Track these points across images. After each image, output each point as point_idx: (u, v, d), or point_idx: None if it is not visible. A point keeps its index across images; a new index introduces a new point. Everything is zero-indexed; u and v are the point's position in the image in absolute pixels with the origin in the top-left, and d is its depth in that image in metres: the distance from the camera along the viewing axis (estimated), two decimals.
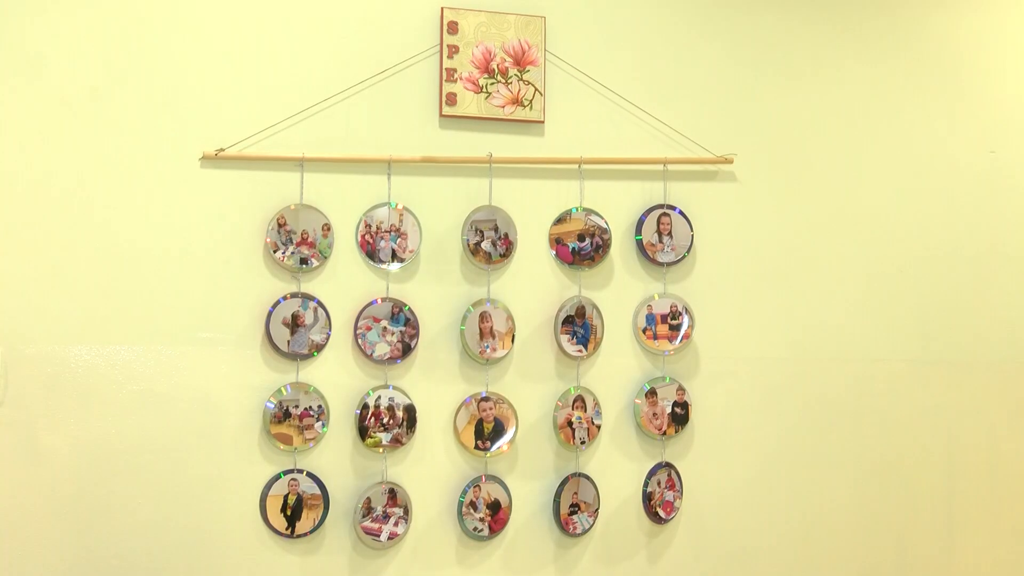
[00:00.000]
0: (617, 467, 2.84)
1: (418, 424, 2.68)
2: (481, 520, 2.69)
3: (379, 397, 2.64)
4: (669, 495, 2.84)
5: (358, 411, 2.63)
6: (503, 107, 2.77)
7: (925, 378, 3.08)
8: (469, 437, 2.70)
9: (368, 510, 2.62)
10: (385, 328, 2.66)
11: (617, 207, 2.86)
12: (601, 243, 2.82)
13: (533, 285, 2.79)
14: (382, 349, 2.66)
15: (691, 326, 2.86)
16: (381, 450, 2.65)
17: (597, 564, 2.82)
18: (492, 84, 2.76)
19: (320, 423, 2.60)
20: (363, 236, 2.67)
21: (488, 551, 2.74)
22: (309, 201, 2.64)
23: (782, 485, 2.96)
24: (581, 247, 2.80)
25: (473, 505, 2.69)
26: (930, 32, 3.15)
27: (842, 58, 3.07)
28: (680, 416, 2.86)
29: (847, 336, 3.02)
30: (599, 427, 2.80)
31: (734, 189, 2.96)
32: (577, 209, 2.81)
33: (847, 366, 3.02)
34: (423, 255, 2.72)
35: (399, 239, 2.69)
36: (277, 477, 2.57)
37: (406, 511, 2.65)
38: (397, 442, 2.65)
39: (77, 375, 2.49)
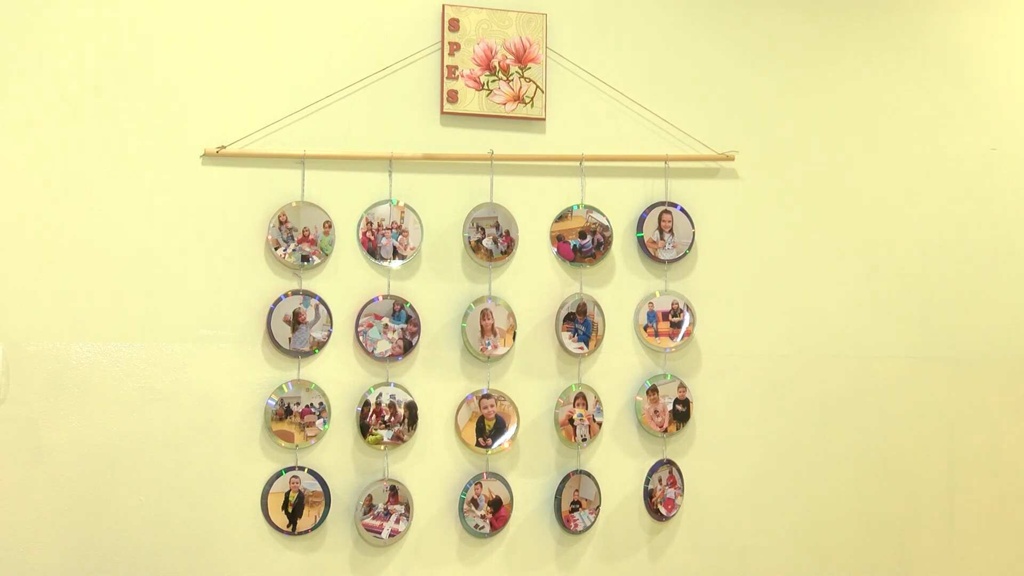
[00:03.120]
0: (618, 464, 2.84)
1: (419, 421, 2.68)
2: (482, 517, 2.70)
3: (380, 394, 2.64)
4: (670, 492, 2.84)
5: (359, 408, 2.63)
6: (504, 104, 2.76)
7: (926, 375, 3.08)
8: (470, 434, 2.71)
9: (369, 507, 2.62)
10: (386, 325, 2.66)
11: (618, 204, 2.86)
12: (602, 240, 2.81)
13: (534, 282, 2.79)
14: (383, 346, 2.66)
15: (692, 323, 2.86)
16: (382, 447, 2.65)
17: (598, 561, 2.82)
18: (493, 81, 2.75)
19: (321, 420, 2.60)
20: (364, 233, 2.67)
21: (489, 548, 2.75)
22: (310, 198, 2.64)
23: (783, 482, 2.96)
24: (582, 244, 2.80)
25: (474, 502, 2.69)
26: (931, 29, 3.15)
27: (843, 55, 3.07)
28: (681, 413, 2.86)
29: (848, 333, 3.02)
30: (600, 424, 2.80)
31: (735, 186, 2.96)
32: (578, 206, 2.81)
33: (848, 363, 3.02)
34: (424, 252, 2.72)
35: (400, 236, 2.69)
36: (278, 474, 2.58)
37: (407, 508, 2.65)
38: (398, 439, 2.65)
39: (78, 372, 2.49)
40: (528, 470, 2.77)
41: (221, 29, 2.62)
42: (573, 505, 2.76)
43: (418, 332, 2.68)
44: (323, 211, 2.64)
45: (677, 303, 2.86)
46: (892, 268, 3.08)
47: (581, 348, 2.79)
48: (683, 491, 2.86)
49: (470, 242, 2.72)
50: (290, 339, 2.60)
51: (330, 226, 2.64)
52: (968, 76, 3.17)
